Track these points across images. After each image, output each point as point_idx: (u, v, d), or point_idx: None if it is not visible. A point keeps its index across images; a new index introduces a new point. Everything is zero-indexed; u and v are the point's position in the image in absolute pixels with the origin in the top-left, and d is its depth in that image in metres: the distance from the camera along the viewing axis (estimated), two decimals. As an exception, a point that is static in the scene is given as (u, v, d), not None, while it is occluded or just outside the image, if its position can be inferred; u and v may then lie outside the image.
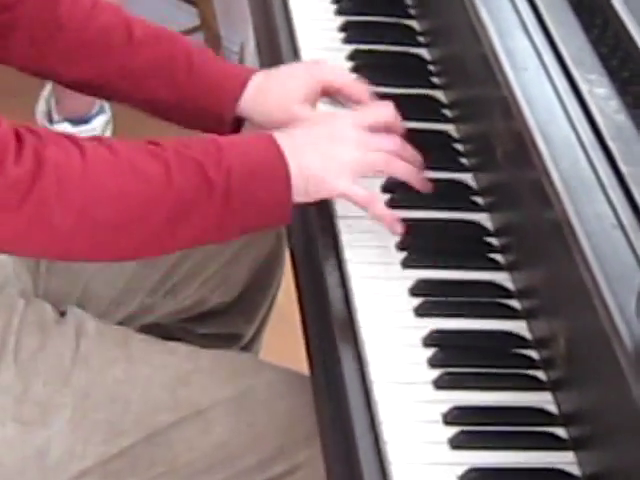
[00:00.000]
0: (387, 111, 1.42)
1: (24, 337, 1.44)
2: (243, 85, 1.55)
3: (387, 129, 1.40)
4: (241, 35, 2.97)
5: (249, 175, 1.31)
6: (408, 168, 1.37)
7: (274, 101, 1.54)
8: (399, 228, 1.35)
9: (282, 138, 1.34)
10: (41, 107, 2.71)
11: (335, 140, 1.37)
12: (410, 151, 1.39)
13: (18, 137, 1.24)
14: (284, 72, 1.60)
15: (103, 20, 1.57)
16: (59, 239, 1.28)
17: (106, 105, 2.72)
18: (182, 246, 1.45)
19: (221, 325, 1.72)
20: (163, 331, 1.65)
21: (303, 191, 1.34)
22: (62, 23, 1.56)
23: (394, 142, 1.38)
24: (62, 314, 1.49)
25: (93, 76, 1.60)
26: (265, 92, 1.55)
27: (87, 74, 1.59)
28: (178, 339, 1.56)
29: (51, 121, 2.68)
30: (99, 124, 2.69)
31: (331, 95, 1.56)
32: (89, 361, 1.44)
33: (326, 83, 1.55)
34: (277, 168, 1.32)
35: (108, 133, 2.72)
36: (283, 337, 1.71)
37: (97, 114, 2.70)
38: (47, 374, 1.42)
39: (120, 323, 1.59)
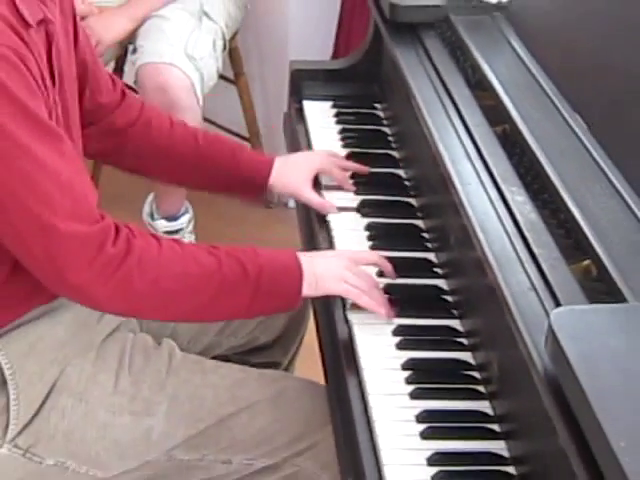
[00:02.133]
0: (374, 256, 1.43)
1: (134, 357, 1.44)
2: (271, 168, 1.61)
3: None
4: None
5: (275, 272, 1.33)
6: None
7: (290, 176, 1.61)
8: (385, 313, 1.34)
9: (301, 254, 1.36)
10: (146, 209, 2.71)
11: (337, 260, 1.38)
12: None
13: (117, 228, 1.26)
14: (299, 158, 1.68)
15: (178, 133, 1.59)
16: (136, 300, 1.28)
17: (189, 207, 2.73)
18: (221, 318, 1.50)
19: (266, 356, 1.71)
20: (226, 360, 1.65)
21: (314, 286, 1.34)
22: (153, 140, 1.58)
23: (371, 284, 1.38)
24: (159, 343, 1.49)
25: (173, 173, 1.62)
26: (285, 170, 1.62)
27: (169, 172, 1.63)
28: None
29: (153, 218, 2.69)
30: (185, 220, 2.70)
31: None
32: (178, 373, 1.43)
33: (324, 169, 1.64)
34: (294, 270, 1.34)
35: (190, 227, 2.72)
36: (308, 364, 1.69)
37: (183, 213, 2.70)
38: (150, 382, 1.42)
39: (197, 354, 1.57)
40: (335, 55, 2.71)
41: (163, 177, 1.68)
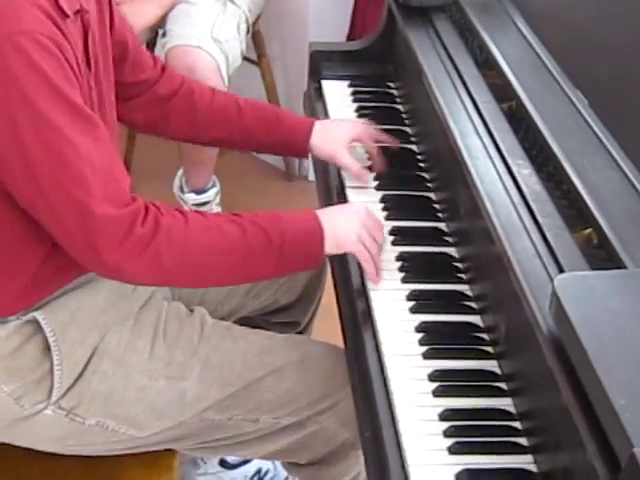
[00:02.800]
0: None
1: (168, 324, 1.44)
2: (311, 127, 1.59)
3: None
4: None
5: (297, 236, 1.31)
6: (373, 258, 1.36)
7: (330, 139, 1.58)
8: (376, 281, 1.34)
9: (322, 213, 1.34)
10: (176, 183, 2.71)
11: (355, 219, 1.36)
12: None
13: (146, 208, 1.25)
14: (338, 123, 1.65)
15: (220, 100, 1.58)
16: (167, 274, 1.27)
17: (217, 181, 2.72)
18: (248, 281, 1.50)
19: (287, 316, 1.71)
20: (250, 321, 1.65)
21: (334, 245, 1.33)
22: (196, 105, 1.57)
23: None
24: (191, 311, 1.49)
25: (220, 136, 1.60)
26: (325, 133, 1.59)
27: (217, 136, 1.60)
28: (260, 327, 1.55)
29: (182, 191, 2.69)
30: (213, 193, 2.69)
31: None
32: (209, 340, 1.43)
33: (359, 137, 1.60)
34: (316, 233, 1.32)
35: (217, 199, 2.72)
36: (326, 323, 1.69)
37: (211, 187, 2.69)
38: (184, 348, 1.41)
39: (224, 317, 1.58)
40: (350, 37, 2.69)
41: (208, 141, 1.66)
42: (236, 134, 1.59)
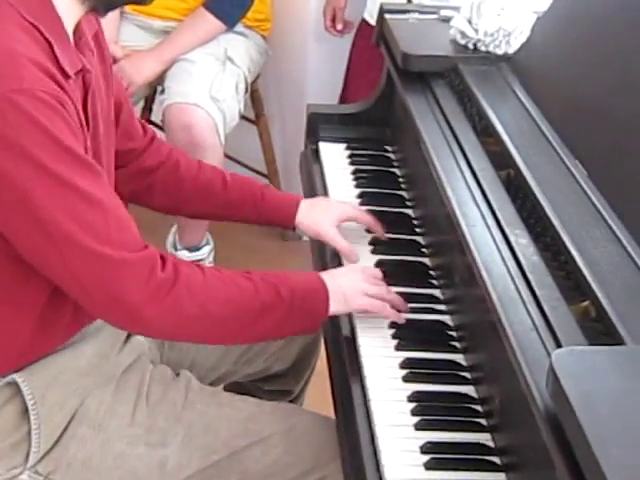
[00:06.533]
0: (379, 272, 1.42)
1: (152, 388, 1.40)
2: (297, 206, 1.57)
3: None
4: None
5: (304, 295, 1.31)
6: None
7: (316, 220, 1.56)
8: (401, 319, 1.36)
9: (325, 275, 1.35)
10: (170, 240, 2.70)
11: (356, 274, 1.37)
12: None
13: (162, 257, 1.24)
14: (326, 202, 1.63)
15: (206, 174, 1.57)
16: (186, 323, 1.25)
17: (210, 238, 2.71)
18: (257, 339, 1.45)
19: (279, 384, 1.68)
20: (241, 387, 1.62)
21: (342, 302, 1.33)
22: (182, 179, 1.55)
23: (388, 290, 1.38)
24: (177, 374, 1.45)
25: (204, 210, 1.59)
26: (311, 213, 1.57)
27: (200, 209, 1.59)
28: (250, 393, 1.52)
29: (175, 249, 2.67)
30: (206, 251, 2.68)
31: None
32: (194, 405, 1.40)
33: (350, 217, 1.58)
34: (321, 291, 1.32)
35: (211, 257, 2.70)
36: (318, 390, 1.66)
37: (205, 244, 2.69)
38: (166, 413, 1.38)
39: (213, 382, 1.55)
40: (342, 100, 2.70)
41: (192, 214, 1.65)
42: (220, 209, 1.58)
